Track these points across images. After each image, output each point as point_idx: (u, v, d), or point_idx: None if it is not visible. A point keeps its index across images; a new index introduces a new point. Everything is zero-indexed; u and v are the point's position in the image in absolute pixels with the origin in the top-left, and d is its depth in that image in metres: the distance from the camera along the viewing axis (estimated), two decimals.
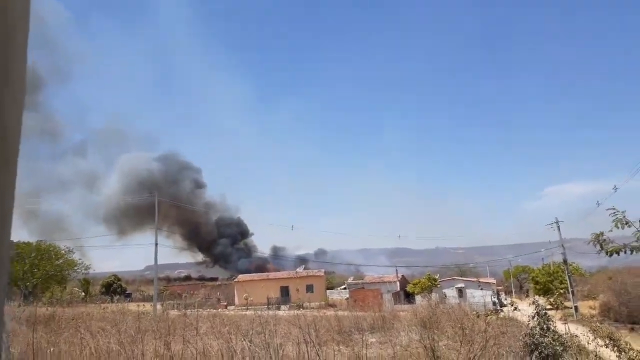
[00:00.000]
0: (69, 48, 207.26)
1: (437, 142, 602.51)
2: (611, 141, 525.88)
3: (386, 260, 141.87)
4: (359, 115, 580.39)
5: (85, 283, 75.36)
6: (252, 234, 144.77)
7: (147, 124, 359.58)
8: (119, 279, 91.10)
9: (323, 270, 72.46)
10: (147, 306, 42.40)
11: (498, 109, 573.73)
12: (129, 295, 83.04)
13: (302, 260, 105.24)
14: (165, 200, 74.50)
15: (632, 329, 30.61)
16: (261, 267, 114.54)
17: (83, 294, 60.51)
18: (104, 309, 29.46)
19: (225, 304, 60.34)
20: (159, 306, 42.17)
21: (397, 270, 74.89)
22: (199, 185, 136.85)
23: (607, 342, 11.70)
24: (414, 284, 63.24)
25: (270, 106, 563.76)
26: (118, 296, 70.89)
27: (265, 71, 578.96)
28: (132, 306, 35.67)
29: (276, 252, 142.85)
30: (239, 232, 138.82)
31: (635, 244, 8.67)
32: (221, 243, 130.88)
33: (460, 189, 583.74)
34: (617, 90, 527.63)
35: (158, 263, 47.20)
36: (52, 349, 10.63)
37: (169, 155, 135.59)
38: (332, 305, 53.62)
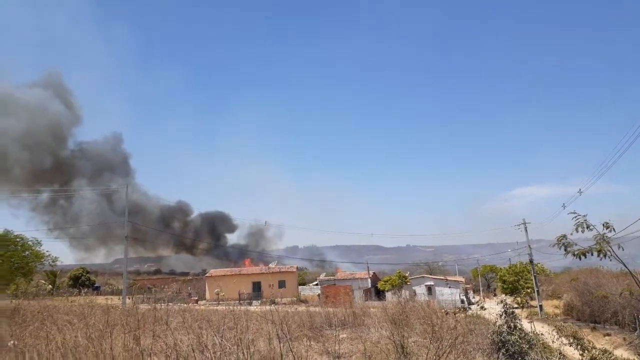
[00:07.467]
0: None
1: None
2: (577, 145, 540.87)
3: (358, 257, 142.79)
4: None
5: (52, 276, 73.67)
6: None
7: None
8: (87, 272, 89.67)
9: (295, 266, 72.44)
10: (116, 300, 41.70)
11: (468, 114, 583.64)
12: (97, 289, 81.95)
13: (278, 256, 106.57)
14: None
15: (594, 328, 31.61)
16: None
17: (50, 286, 59.03)
18: (71, 302, 28.83)
19: (196, 298, 59.77)
20: (128, 300, 41.51)
21: (368, 267, 75.54)
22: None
23: (571, 340, 12.07)
24: (384, 281, 63.95)
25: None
26: (86, 289, 69.68)
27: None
28: (101, 299, 34.97)
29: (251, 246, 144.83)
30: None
31: (596, 246, 9.00)
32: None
33: (428, 188, 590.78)
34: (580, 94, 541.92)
35: (128, 256, 46.47)
36: (15, 342, 10.35)
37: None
38: (303, 301, 53.72)
